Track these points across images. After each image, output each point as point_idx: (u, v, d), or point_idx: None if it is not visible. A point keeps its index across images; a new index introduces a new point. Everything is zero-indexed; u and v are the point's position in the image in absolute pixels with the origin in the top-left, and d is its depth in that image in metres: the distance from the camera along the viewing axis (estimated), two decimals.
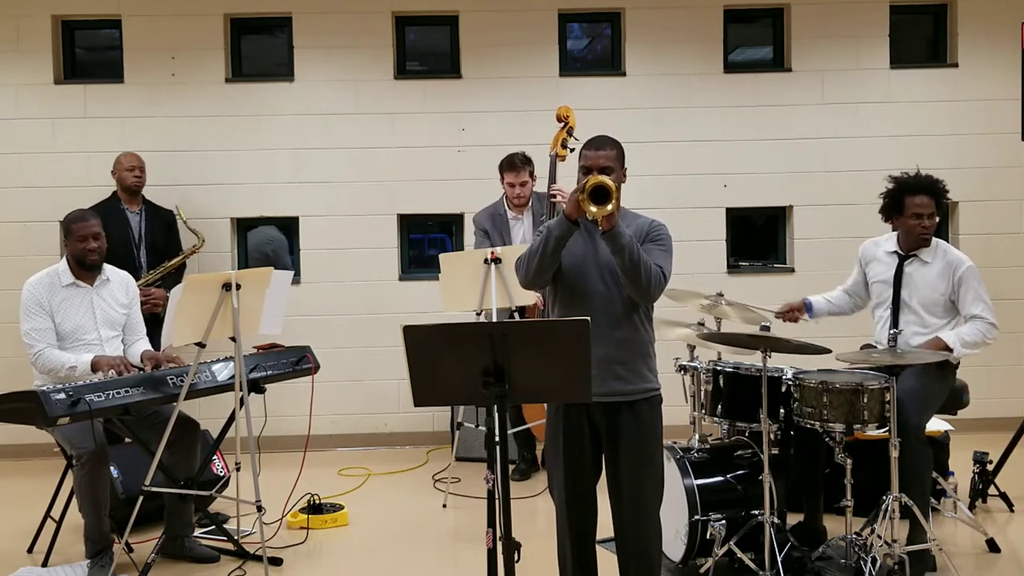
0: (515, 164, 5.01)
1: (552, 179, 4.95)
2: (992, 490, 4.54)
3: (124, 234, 5.36)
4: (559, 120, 5.01)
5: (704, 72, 6.09)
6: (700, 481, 3.64)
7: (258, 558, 3.89)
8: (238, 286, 3.66)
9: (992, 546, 3.97)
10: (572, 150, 4.89)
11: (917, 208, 3.90)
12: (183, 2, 5.96)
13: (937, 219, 3.95)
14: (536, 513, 4.66)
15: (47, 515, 4.19)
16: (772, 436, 3.65)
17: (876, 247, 4.12)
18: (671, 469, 3.65)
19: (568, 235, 2.83)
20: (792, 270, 6.15)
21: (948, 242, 5.98)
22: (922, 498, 3.67)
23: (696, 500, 3.59)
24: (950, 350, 3.76)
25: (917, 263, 3.95)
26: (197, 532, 4.14)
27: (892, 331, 3.68)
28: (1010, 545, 4.03)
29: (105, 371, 3.76)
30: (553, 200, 4.86)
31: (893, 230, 4.06)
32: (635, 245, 2.79)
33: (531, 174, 5.06)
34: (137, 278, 5.22)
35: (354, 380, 6.05)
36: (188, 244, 5.62)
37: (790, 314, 4.19)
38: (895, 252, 4.01)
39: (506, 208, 5.11)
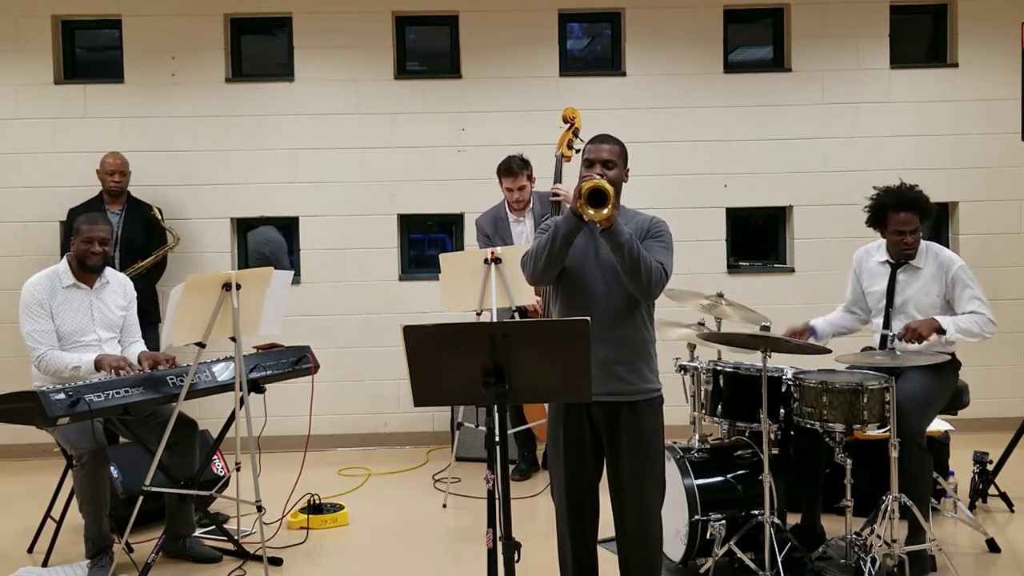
0: (512, 169, 5.01)
1: (557, 180, 4.97)
2: (992, 490, 4.54)
3: None
4: (565, 121, 5.03)
5: (704, 72, 6.09)
6: (700, 481, 3.64)
7: (258, 558, 3.89)
8: (238, 286, 3.66)
9: (992, 546, 3.97)
10: (578, 151, 4.89)
11: (899, 225, 3.87)
12: (183, 2, 5.96)
13: (920, 233, 3.91)
14: (536, 513, 4.66)
15: (47, 515, 4.19)
16: (772, 436, 3.65)
17: (869, 256, 4.09)
18: (671, 469, 3.65)
19: (576, 231, 2.83)
20: (792, 270, 6.15)
21: (948, 242, 6.01)
22: (922, 499, 3.66)
23: (696, 500, 3.58)
24: (943, 331, 3.75)
25: (909, 270, 3.94)
26: (197, 532, 4.14)
27: (883, 332, 3.67)
28: (1010, 545, 4.03)
29: (108, 370, 3.76)
30: (556, 200, 4.87)
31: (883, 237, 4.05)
32: (634, 242, 2.79)
33: (529, 177, 5.05)
34: None
35: (354, 380, 6.05)
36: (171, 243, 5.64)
37: (795, 338, 4.14)
38: (887, 262, 4.01)
39: (507, 211, 5.11)
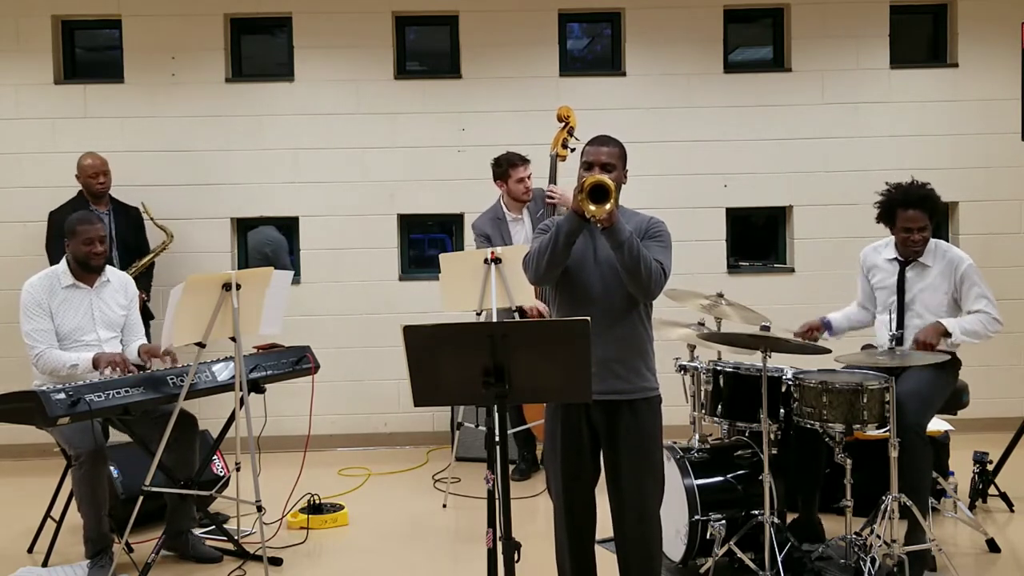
0: (516, 162, 5.02)
1: (552, 179, 4.97)
2: (992, 490, 4.54)
3: None
4: (560, 120, 5.03)
5: (704, 72, 6.09)
6: (700, 481, 3.64)
7: (258, 558, 3.89)
8: (238, 286, 3.66)
9: (992, 546, 3.97)
10: (573, 150, 4.90)
11: (907, 222, 3.89)
12: (183, 2, 5.96)
13: (929, 232, 3.91)
14: (536, 513, 4.66)
15: (47, 515, 4.19)
16: (772, 436, 3.65)
17: (876, 253, 4.10)
18: (671, 469, 3.65)
19: (578, 230, 2.83)
20: (792, 270, 6.15)
21: (948, 242, 6.01)
22: (921, 495, 3.66)
23: (696, 500, 3.59)
24: (949, 334, 3.75)
25: (918, 267, 3.94)
26: (198, 532, 4.14)
27: (893, 332, 3.68)
28: (1010, 545, 4.03)
29: (104, 368, 3.76)
30: (551, 202, 4.87)
31: (892, 234, 4.05)
32: (635, 241, 2.80)
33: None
34: None
35: (354, 380, 6.05)
36: (156, 242, 5.66)
37: (809, 333, 4.14)
38: (895, 259, 4.01)
39: (505, 211, 5.11)
